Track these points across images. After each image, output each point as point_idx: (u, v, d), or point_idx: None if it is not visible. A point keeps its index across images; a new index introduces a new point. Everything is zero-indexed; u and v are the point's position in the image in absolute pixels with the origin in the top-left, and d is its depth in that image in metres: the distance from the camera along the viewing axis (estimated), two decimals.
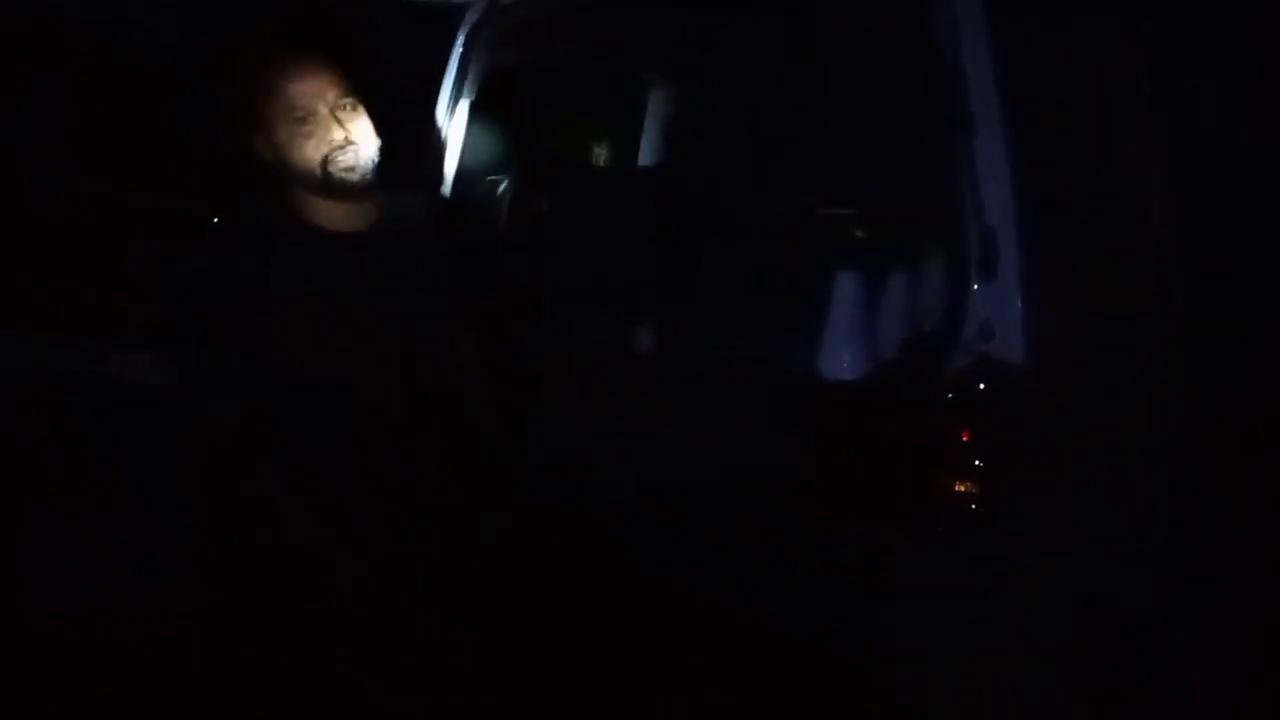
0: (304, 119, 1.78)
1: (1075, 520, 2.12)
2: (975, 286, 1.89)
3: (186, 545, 2.46)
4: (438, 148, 2.92)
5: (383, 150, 1.84)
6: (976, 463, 1.89)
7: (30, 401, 2.64)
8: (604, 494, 2.43)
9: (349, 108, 1.80)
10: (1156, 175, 2.42)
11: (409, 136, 2.80)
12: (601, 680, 2.35)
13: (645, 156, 3.79)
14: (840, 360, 2.22)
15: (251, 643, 2.06)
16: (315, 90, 1.78)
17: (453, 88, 2.93)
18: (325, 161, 1.79)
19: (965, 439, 1.90)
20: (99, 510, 2.61)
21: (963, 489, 1.90)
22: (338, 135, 1.79)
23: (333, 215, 1.86)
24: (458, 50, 2.93)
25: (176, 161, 3.27)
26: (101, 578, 2.59)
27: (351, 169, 1.80)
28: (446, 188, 2.93)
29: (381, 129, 1.86)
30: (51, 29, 3.29)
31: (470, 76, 2.92)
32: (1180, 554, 2.49)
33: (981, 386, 1.88)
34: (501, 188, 2.97)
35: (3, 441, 2.63)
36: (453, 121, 2.92)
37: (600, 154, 4.08)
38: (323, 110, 1.78)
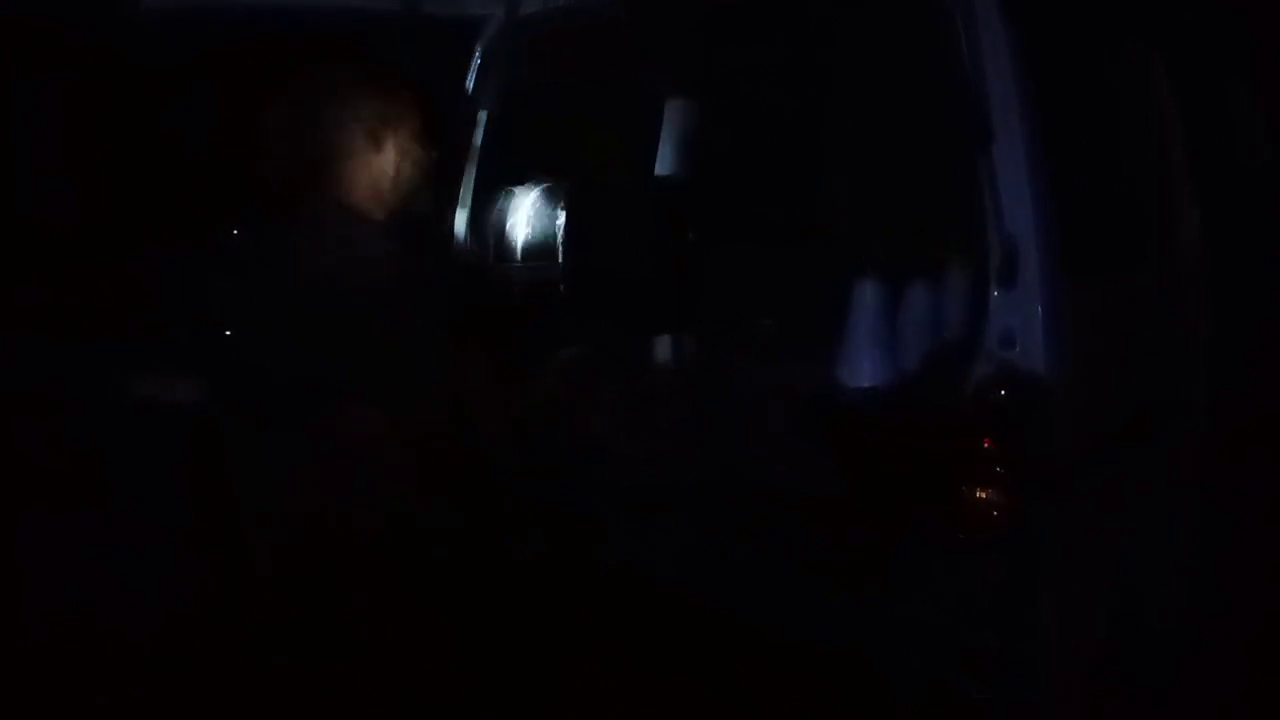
0: (367, 139, 1.80)
1: (1099, 527, 2.11)
2: (996, 294, 1.88)
3: (186, 545, 2.47)
4: (456, 162, 2.94)
5: (424, 168, 1.87)
6: (999, 470, 1.89)
7: (30, 402, 2.67)
8: (622, 502, 2.43)
9: (407, 128, 1.84)
10: (1181, 183, 2.42)
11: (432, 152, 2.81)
12: (606, 682, 2.34)
13: (663, 171, 3.80)
14: (862, 369, 2.22)
15: (251, 643, 2.07)
16: (381, 112, 1.81)
17: (471, 102, 2.95)
18: (384, 180, 1.82)
19: (987, 447, 1.89)
20: (99, 510, 2.63)
21: (985, 497, 1.89)
22: (399, 155, 1.83)
23: (364, 230, 1.88)
24: (475, 65, 2.96)
25: (192, 172, 3.29)
26: (102, 578, 2.60)
27: (406, 187, 1.83)
28: (465, 202, 2.95)
29: (423, 147, 1.89)
30: (60, 31, 3.32)
31: (488, 91, 2.94)
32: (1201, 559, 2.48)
33: (1003, 394, 1.87)
34: (520, 202, 2.98)
35: (3, 442, 2.65)
36: (471, 135, 2.94)
37: (618, 168, 4.08)
38: (386, 131, 1.81)
